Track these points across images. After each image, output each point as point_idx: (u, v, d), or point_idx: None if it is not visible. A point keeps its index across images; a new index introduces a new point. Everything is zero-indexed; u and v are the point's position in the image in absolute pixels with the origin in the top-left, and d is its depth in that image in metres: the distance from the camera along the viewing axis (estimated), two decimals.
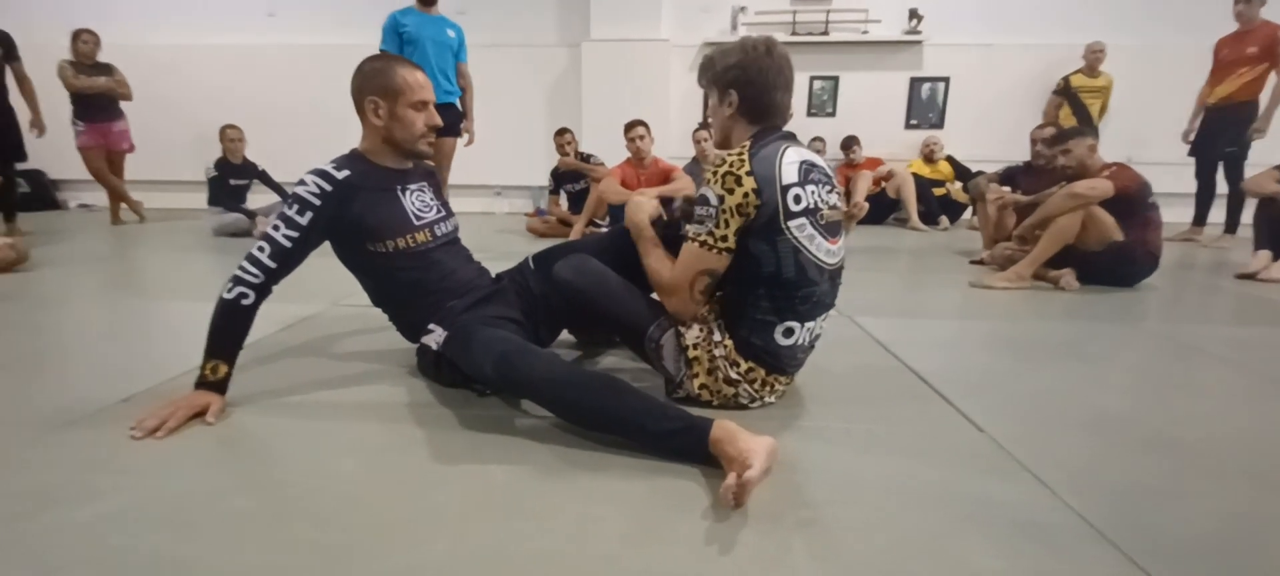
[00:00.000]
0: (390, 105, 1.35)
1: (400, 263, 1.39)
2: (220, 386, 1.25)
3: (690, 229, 1.21)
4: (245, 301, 1.24)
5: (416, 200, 1.44)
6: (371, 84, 1.35)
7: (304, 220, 1.28)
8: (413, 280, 1.40)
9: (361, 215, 1.33)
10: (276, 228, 1.27)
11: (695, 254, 1.19)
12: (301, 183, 1.30)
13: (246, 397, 1.31)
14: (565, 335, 1.71)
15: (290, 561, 0.80)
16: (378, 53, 1.38)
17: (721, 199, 1.15)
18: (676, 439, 1.04)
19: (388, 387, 1.41)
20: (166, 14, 5.86)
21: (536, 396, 1.16)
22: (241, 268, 1.25)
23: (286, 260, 1.27)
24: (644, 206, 1.37)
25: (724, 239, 1.17)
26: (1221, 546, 0.86)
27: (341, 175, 1.32)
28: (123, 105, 4.66)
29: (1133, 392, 1.48)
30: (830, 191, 1.25)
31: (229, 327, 1.25)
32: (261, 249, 1.26)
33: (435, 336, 1.36)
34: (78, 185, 5.92)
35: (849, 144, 5.31)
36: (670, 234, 1.34)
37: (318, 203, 1.29)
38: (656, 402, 1.10)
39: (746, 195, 1.14)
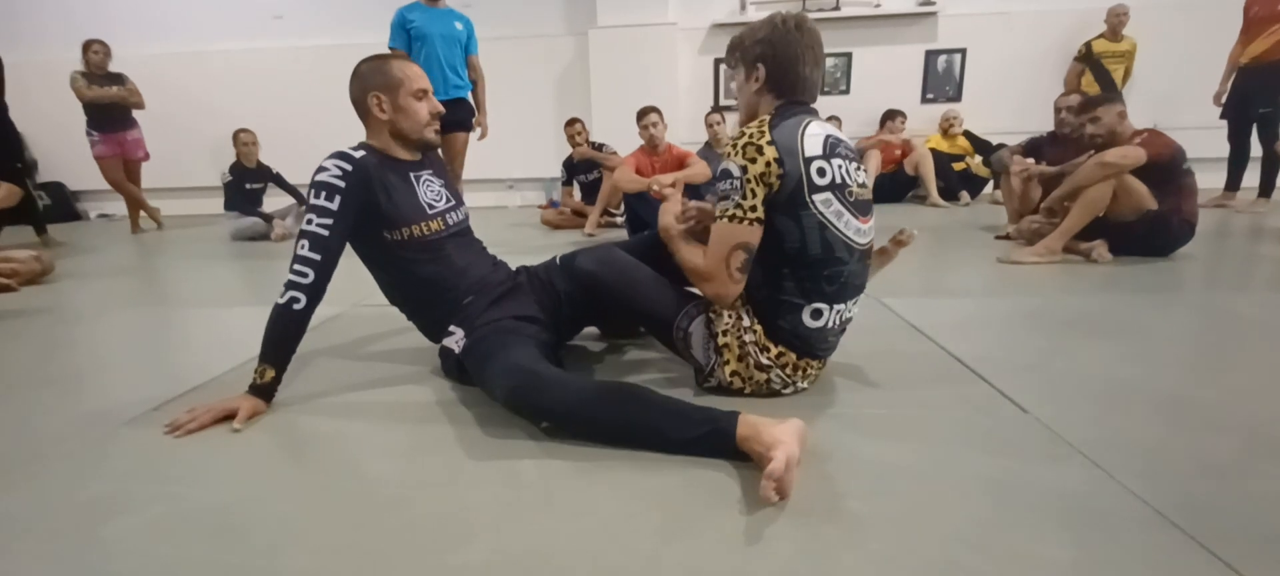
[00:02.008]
0: (392, 98, 1.36)
1: (414, 253, 1.38)
2: (266, 391, 1.26)
3: (718, 207, 1.18)
4: (296, 305, 1.24)
5: (428, 190, 1.43)
6: (371, 81, 1.36)
7: (335, 204, 1.27)
8: (427, 275, 1.39)
9: (379, 199, 1.33)
10: (309, 221, 1.26)
11: (725, 229, 1.16)
12: (321, 170, 1.29)
13: (277, 402, 1.30)
14: (590, 329, 1.69)
15: (334, 566, 0.80)
16: (370, 54, 1.38)
17: (744, 170, 1.13)
18: (703, 444, 1.02)
19: (415, 388, 1.40)
20: (176, 22, 5.89)
21: (553, 422, 1.14)
22: (291, 271, 1.25)
23: (328, 249, 1.26)
24: (668, 210, 1.35)
25: (753, 210, 1.13)
26: None
27: (359, 155, 1.32)
28: (136, 114, 4.69)
29: (1182, 367, 1.42)
30: (857, 168, 1.21)
31: (279, 333, 1.25)
32: (302, 245, 1.25)
33: (456, 338, 1.35)
34: (97, 195, 6.01)
35: (890, 116, 5.19)
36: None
37: (343, 184, 1.28)
38: (678, 407, 1.07)
39: (768, 165, 1.11)
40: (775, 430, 0.95)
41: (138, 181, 4.84)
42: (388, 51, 1.43)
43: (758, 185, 1.12)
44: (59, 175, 6.06)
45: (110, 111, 4.52)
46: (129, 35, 5.47)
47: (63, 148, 5.74)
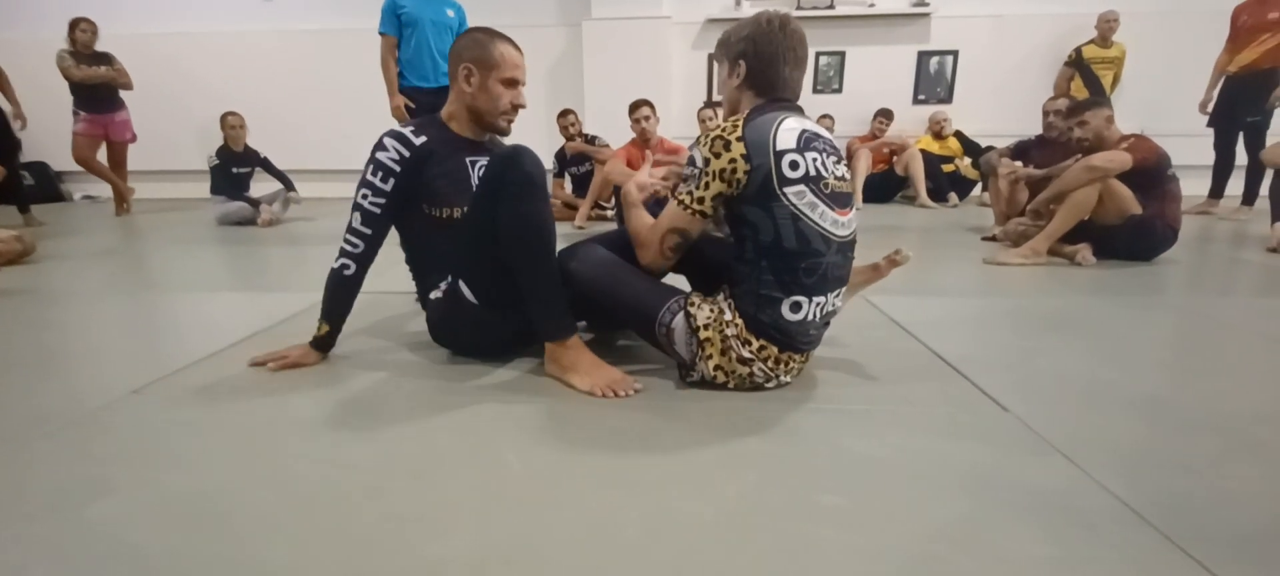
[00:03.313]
0: (482, 76, 1.39)
1: (442, 235, 1.39)
2: (323, 343, 1.42)
3: (679, 186, 1.24)
4: (346, 272, 1.37)
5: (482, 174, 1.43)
6: (469, 52, 1.39)
7: (388, 186, 1.35)
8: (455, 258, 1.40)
9: (430, 178, 1.38)
10: (364, 196, 1.35)
11: (672, 211, 1.23)
12: (381, 148, 1.35)
13: (257, 387, 1.29)
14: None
15: (313, 555, 0.79)
16: (483, 27, 1.42)
17: (707, 161, 1.16)
18: (552, 320, 1.29)
19: (401, 377, 1.39)
20: (164, 3, 5.80)
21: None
22: (344, 240, 1.36)
23: (378, 224, 1.37)
24: (638, 176, 1.41)
25: (701, 202, 1.18)
26: (1273, 530, 0.83)
27: (419, 140, 1.37)
28: (123, 95, 4.61)
29: (1161, 370, 1.44)
30: (836, 162, 1.23)
31: (335, 294, 1.39)
32: (355, 217, 1.35)
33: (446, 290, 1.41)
34: (82, 177, 5.90)
35: (882, 114, 5.21)
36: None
37: (398, 169, 1.35)
38: (561, 293, 1.30)
39: (733, 161, 1.14)
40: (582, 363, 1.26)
41: (124, 163, 4.76)
42: (499, 31, 1.43)
43: (715, 180, 1.16)
44: (43, 155, 5.95)
45: (98, 92, 4.44)
46: (115, 15, 5.38)
47: (47, 127, 5.62)
